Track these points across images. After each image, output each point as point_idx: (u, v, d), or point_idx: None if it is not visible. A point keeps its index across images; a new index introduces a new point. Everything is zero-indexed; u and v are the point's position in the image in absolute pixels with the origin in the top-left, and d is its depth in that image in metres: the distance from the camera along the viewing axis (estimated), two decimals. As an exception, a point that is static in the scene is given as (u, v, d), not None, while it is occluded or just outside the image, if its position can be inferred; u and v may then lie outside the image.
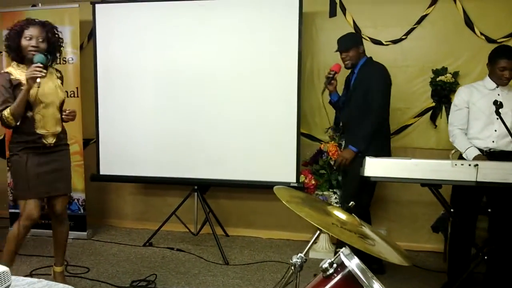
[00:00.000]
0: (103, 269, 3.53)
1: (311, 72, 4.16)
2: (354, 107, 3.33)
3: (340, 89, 3.58)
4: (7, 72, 2.78)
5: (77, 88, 4.20)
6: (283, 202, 1.74)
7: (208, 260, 3.75)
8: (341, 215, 1.74)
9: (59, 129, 2.90)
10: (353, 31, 3.98)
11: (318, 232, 1.73)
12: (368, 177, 2.69)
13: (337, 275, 1.25)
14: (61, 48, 3.02)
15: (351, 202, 1.75)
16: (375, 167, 2.67)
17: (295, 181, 3.78)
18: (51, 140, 2.85)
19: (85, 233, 4.26)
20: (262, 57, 3.86)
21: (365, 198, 3.35)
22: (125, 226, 4.64)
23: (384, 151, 3.28)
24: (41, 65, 2.64)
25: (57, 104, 2.90)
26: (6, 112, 2.66)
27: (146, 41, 4.05)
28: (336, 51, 3.43)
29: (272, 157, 3.87)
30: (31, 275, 3.33)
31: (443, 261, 3.69)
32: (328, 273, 1.26)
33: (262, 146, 3.89)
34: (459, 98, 3.15)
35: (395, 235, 3.96)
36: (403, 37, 3.95)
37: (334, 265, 1.26)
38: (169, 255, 3.86)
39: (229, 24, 3.89)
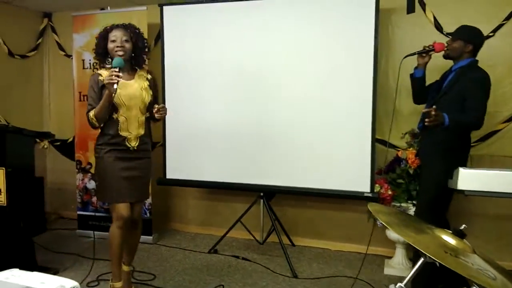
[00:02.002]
0: (169, 276, 3.45)
1: (386, 73, 3.88)
2: (445, 108, 2.88)
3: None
4: (98, 73, 2.87)
5: (144, 91, 4.17)
6: (383, 223, 1.53)
7: (275, 271, 3.57)
8: (449, 239, 1.51)
9: (142, 131, 2.91)
10: (434, 28, 3.69)
11: (422, 259, 1.51)
12: (462, 191, 2.40)
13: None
14: (146, 49, 3.06)
15: (463, 225, 1.51)
16: (470, 179, 2.38)
17: (369, 190, 3.53)
18: (134, 143, 2.87)
19: (151, 237, 4.22)
20: (334, 58, 3.63)
21: (441, 209, 3.03)
22: (189, 230, 4.59)
23: (461, 162, 2.91)
24: (117, 70, 2.65)
25: (141, 107, 2.88)
26: (92, 114, 2.76)
27: (214, 42, 3.94)
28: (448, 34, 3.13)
29: (344, 164, 3.63)
30: (97, 280, 3.31)
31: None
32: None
33: (333, 152, 3.66)
34: None
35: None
36: (490, 34, 3.59)
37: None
38: (234, 264, 3.74)
39: (302, 23, 3.70)
